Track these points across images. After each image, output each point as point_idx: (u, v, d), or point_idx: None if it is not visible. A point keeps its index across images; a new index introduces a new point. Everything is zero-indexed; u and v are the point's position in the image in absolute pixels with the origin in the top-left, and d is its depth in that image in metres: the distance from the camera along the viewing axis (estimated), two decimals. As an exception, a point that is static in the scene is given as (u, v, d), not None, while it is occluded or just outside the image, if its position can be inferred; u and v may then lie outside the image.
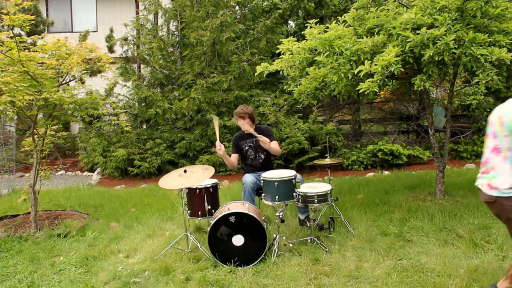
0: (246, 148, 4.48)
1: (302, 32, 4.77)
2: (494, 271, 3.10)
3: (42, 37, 4.55)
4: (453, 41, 3.81)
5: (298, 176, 4.37)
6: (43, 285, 3.32)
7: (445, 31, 3.82)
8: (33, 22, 4.28)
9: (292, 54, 4.71)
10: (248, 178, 4.20)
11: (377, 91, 4.03)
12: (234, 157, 4.52)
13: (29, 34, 5.59)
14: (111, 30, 10.22)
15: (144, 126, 9.52)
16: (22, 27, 4.28)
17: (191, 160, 8.58)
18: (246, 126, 4.33)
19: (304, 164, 8.17)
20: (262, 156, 4.49)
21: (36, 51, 4.41)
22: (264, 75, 4.96)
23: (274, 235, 3.75)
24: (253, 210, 3.64)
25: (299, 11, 10.01)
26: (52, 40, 4.39)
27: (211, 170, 3.79)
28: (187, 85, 8.89)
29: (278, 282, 3.18)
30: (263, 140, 4.18)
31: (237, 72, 8.57)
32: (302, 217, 4.43)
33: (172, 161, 8.61)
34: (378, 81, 3.93)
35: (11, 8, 4.03)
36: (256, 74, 4.97)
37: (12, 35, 4.12)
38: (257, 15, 9.66)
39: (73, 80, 4.89)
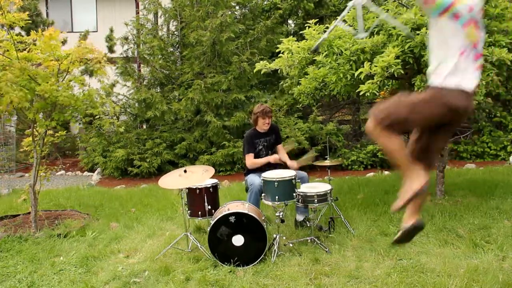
0: (260, 147, 4.46)
1: (301, 32, 4.77)
2: (494, 271, 3.10)
3: (40, 37, 4.53)
4: (453, 41, 3.80)
5: (304, 173, 4.38)
6: (43, 285, 3.32)
7: (445, 31, 3.82)
8: (30, 21, 4.27)
9: (292, 54, 4.71)
10: (256, 180, 4.16)
11: (377, 92, 4.03)
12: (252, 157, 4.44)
13: (28, 34, 5.58)
14: (111, 30, 10.21)
15: (144, 126, 9.52)
16: (21, 27, 4.27)
17: (191, 160, 8.58)
18: (267, 126, 4.39)
19: (304, 165, 8.17)
20: (271, 154, 4.52)
21: (32, 50, 4.39)
22: (262, 72, 4.95)
23: (274, 235, 3.75)
24: (253, 210, 3.64)
25: (299, 11, 10.01)
26: (45, 35, 4.28)
27: (211, 171, 3.79)
28: (187, 85, 8.89)
29: (278, 282, 3.18)
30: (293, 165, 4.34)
31: (237, 72, 8.57)
32: (300, 218, 4.39)
33: (172, 161, 8.61)
34: (378, 82, 3.93)
35: (5, 5, 4.01)
36: (255, 70, 4.96)
37: (9, 35, 4.12)
38: (257, 14, 9.66)
39: (72, 79, 4.88)
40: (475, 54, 2.23)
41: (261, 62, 4.90)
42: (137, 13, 11.57)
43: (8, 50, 4.17)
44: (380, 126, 2.17)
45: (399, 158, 2.30)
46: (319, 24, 4.74)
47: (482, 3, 2.34)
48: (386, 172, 7.74)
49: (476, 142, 8.79)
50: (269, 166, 4.36)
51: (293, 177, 3.81)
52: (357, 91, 4.14)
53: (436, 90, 2.18)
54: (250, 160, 4.38)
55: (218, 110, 8.61)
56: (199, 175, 3.74)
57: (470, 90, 2.17)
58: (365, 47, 4.13)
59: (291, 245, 3.78)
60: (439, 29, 2.20)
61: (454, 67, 2.15)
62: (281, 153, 4.57)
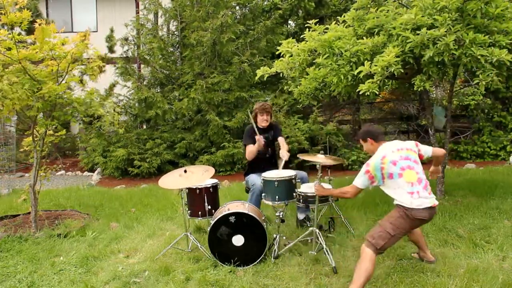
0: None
1: (302, 36, 4.77)
2: (494, 271, 3.10)
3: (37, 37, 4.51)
4: (453, 42, 3.81)
5: (304, 173, 4.37)
6: (43, 285, 3.33)
7: (445, 31, 3.82)
8: (31, 20, 4.25)
9: (292, 56, 4.72)
10: (258, 180, 4.15)
11: (377, 92, 4.03)
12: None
13: (28, 33, 5.58)
14: (112, 30, 10.21)
15: (144, 126, 9.53)
16: (21, 26, 4.26)
17: (191, 160, 8.59)
18: (265, 122, 4.43)
19: (303, 164, 8.17)
20: (271, 152, 4.54)
21: (28, 47, 4.38)
22: (265, 78, 4.97)
23: (274, 235, 3.75)
24: (253, 210, 3.64)
25: (299, 11, 10.01)
26: (37, 32, 4.21)
27: (211, 171, 3.79)
28: (187, 85, 8.90)
29: (278, 282, 3.18)
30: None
31: (237, 73, 8.58)
32: (301, 216, 4.40)
33: (172, 161, 8.61)
34: (378, 81, 3.93)
35: (7, 5, 4.00)
36: (256, 77, 4.99)
37: (11, 35, 4.11)
38: (257, 14, 9.66)
39: (71, 80, 4.87)
40: (423, 186, 2.90)
41: (262, 68, 4.92)
42: (137, 13, 11.55)
43: (10, 49, 4.16)
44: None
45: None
46: (319, 24, 4.74)
47: (400, 152, 3.04)
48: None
49: (476, 142, 8.79)
50: (270, 165, 4.37)
51: (293, 177, 3.81)
52: (357, 90, 4.14)
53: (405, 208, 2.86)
54: (247, 150, 4.43)
55: (218, 109, 8.62)
56: (199, 175, 3.74)
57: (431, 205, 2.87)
58: (365, 48, 4.13)
59: (291, 245, 3.78)
60: (389, 186, 2.94)
61: (411, 202, 2.84)
62: (282, 144, 4.51)
